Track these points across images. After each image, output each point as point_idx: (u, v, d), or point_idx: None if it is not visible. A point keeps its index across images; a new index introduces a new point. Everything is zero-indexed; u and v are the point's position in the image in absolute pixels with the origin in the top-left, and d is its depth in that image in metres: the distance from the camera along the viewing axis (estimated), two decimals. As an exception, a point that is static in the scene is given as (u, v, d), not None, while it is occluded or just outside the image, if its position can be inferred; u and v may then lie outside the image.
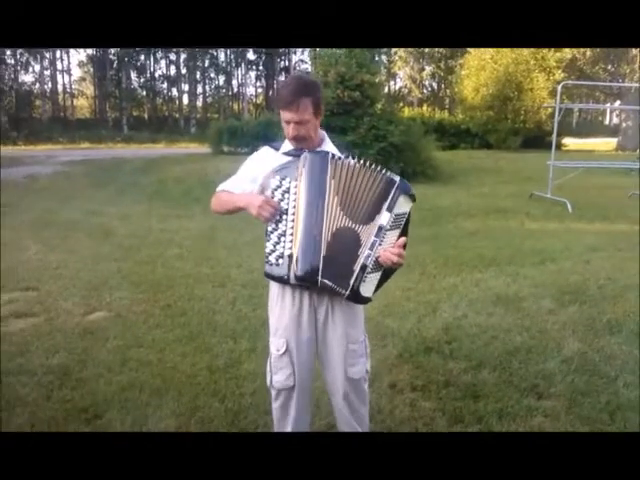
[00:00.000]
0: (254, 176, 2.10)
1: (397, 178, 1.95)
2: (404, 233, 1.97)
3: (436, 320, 4.14)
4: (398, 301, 4.49)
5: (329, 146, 2.13)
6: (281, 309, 2.08)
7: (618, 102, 28.02)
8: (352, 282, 1.92)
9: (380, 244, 1.92)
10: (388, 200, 1.92)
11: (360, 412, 2.23)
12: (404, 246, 1.94)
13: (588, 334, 3.87)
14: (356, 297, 1.96)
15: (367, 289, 1.96)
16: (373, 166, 1.94)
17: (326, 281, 1.89)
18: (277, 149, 2.12)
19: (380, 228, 1.92)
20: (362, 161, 1.94)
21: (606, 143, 28.64)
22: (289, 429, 2.17)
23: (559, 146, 10.19)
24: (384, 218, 1.92)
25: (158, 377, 3.23)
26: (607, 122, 48.09)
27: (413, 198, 1.98)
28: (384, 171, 1.94)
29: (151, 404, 2.92)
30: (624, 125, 28.66)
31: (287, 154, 2.06)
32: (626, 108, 25.04)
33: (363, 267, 1.92)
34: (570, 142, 25.92)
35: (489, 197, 10.48)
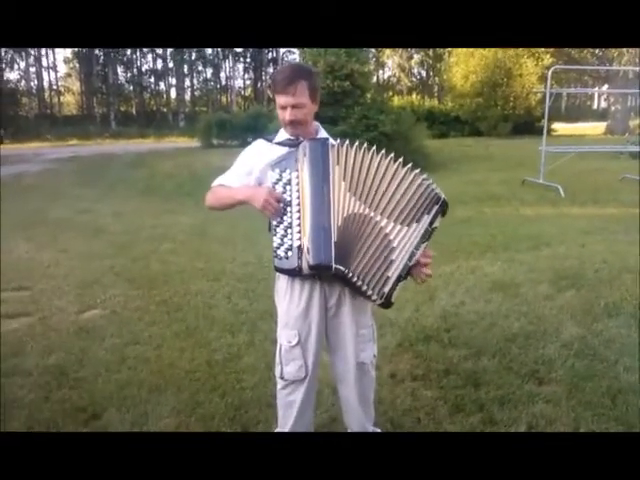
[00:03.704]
0: (249, 169, 2.07)
1: (442, 195, 1.95)
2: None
3: (434, 308, 4.12)
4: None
5: (325, 135, 2.10)
6: (290, 301, 2.05)
7: (606, 86, 28.06)
8: (387, 290, 1.95)
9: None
10: (431, 215, 1.94)
11: (367, 396, 2.22)
12: None
13: (586, 318, 3.87)
14: (387, 304, 1.99)
15: (395, 295, 1.99)
16: (384, 153, 1.92)
17: (340, 267, 1.86)
18: (270, 141, 2.10)
19: (421, 241, 1.94)
20: (365, 146, 1.91)
21: (595, 127, 28.70)
22: (293, 419, 2.15)
23: (549, 131, 10.20)
24: (425, 232, 1.94)
25: (157, 374, 3.19)
26: (595, 106, 48.17)
27: (445, 214, 1.99)
28: (429, 181, 1.94)
29: (151, 401, 2.89)
30: (613, 109, 28.72)
31: (282, 144, 2.03)
32: (617, 92, 25.08)
33: (399, 277, 1.95)
34: (559, 127, 25.94)
35: (481, 184, 10.48)
